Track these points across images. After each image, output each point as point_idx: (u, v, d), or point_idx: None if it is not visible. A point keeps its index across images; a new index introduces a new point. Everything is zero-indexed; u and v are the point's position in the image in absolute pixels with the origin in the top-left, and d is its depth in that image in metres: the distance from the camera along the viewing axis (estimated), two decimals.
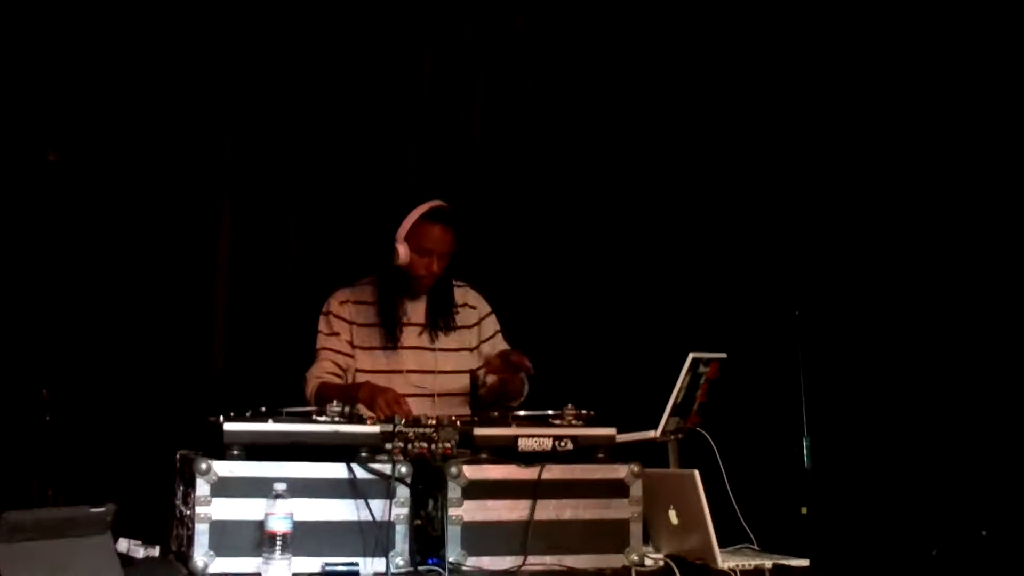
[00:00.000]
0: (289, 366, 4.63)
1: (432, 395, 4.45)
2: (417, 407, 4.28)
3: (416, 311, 4.53)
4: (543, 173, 5.80)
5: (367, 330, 4.48)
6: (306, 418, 3.53)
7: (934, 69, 5.64)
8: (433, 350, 4.51)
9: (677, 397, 4.22)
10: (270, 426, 3.43)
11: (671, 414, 4.24)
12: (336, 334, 4.48)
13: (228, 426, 3.39)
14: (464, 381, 4.53)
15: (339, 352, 4.46)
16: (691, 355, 4.22)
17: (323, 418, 3.52)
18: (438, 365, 4.49)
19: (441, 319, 4.53)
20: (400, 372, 4.44)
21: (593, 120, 5.85)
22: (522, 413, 3.84)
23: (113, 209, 5.13)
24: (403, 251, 4.39)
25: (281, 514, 3.25)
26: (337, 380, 4.41)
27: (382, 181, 5.56)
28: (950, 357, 5.52)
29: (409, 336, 4.50)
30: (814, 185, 5.77)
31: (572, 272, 5.76)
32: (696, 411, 4.41)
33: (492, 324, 4.65)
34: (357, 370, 4.46)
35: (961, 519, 5.24)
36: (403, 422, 3.66)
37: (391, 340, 4.46)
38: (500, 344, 4.62)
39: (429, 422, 3.70)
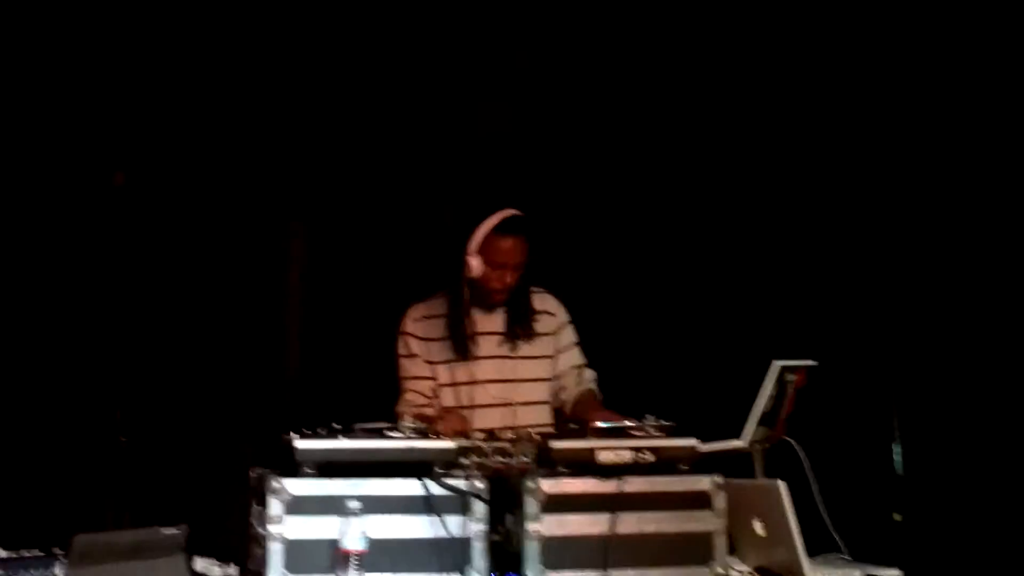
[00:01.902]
0: (364, 378, 4.60)
1: (513, 404, 4.37)
2: (499, 418, 4.24)
3: (494, 320, 4.45)
4: (618, 174, 5.72)
5: (443, 343, 4.41)
6: (379, 434, 3.47)
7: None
8: (513, 358, 4.43)
9: (765, 407, 4.13)
10: (342, 443, 3.38)
11: (758, 423, 4.15)
12: (414, 356, 4.42)
13: (300, 444, 3.34)
14: (545, 389, 4.47)
15: (421, 378, 4.41)
16: (777, 363, 4.12)
17: (397, 434, 3.46)
18: (518, 374, 4.41)
19: (520, 327, 4.44)
20: (480, 383, 4.38)
21: (665, 121, 5.76)
22: (601, 425, 3.76)
23: (181, 227, 5.15)
24: (476, 264, 4.30)
25: (355, 532, 3.21)
26: (428, 412, 4.35)
27: (449, 186, 5.51)
28: None
29: (488, 346, 4.43)
30: (903, 182, 5.64)
31: (651, 278, 5.68)
32: (783, 421, 4.31)
33: (570, 334, 4.56)
34: (440, 385, 4.40)
35: None
36: (480, 436, 3.60)
37: (463, 353, 4.38)
38: (576, 357, 4.54)
39: (506, 436, 3.63)
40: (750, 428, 4.16)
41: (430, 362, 4.41)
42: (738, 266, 5.72)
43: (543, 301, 4.53)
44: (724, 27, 5.78)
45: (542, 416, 4.41)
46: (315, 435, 3.40)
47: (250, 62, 5.26)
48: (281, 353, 5.29)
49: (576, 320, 4.62)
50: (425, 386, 4.40)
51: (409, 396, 4.40)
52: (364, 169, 5.49)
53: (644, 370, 5.33)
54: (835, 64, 5.72)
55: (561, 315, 4.55)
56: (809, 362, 4.33)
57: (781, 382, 4.20)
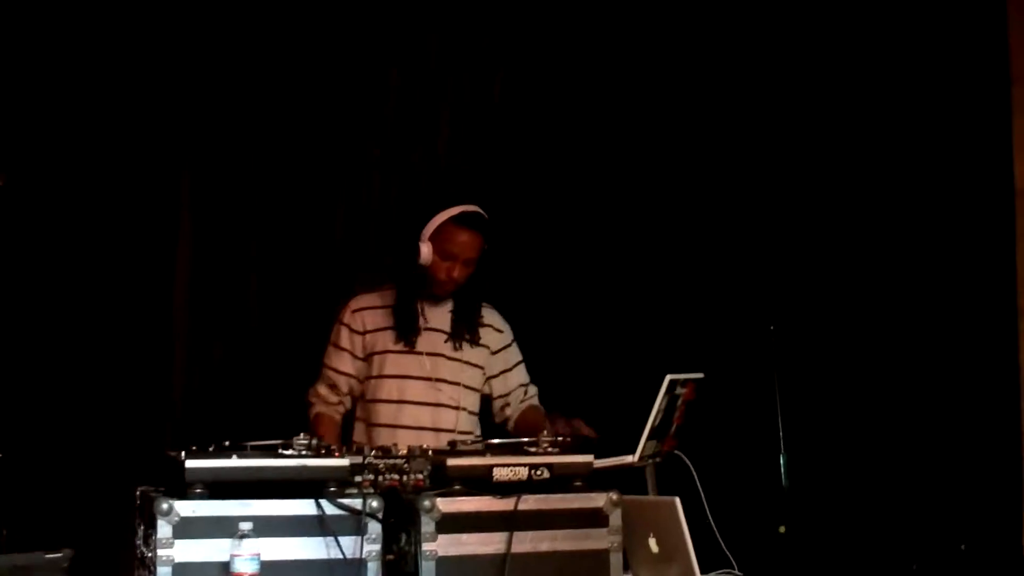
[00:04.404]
0: (255, 395, 4.51)
1: (457, 407, 4.34)
2: (428, 417, 4.28)
3: (440, 316, 4.39)
4: (514, 190, 5.67)
5: (385, 334, 4.34)
6: (272, 452, 3.39)
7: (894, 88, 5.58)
8: (455, 360, 4.38)
9: (654, 420, 4.13)
10: (233, 462, 3.28)
11: (648, 438, 4.15)
12: (343, 349, 4.37)
13: (190, 463, 3.23)
14: (474, 399, 4.44)
15: (341, 372, 4.37)
16: (668, 377, 4.13)
17: (289, 451, 3.37)
18: (454, 376, 4.36)
19: (467, 329, 4.38)
20: (422, 379, 4.32)
21: (564, 136, 5.73)
22: (496, 441, 3.73)
23: (63, 235, 4.98)
24: (426, 251, 4.23)
25: (247, 555, 3.11)
26: (335, 408, 4.38)
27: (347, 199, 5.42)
28: (928, 370, 5.46)
29: (431, 341, 4.36)
30: (784, 201, 5.70)
31: (543, 295, 5.64)
32: (673, 434, 4.32)
33: (516, 352, 4.53)
34: (375, 377, 4.33)
35: (940, 534, 5.19)
36: (373, 453, 3.53)
37: (408, 344, 4.32)
38: (522, 376, 4.53)
39: (400, 452, 3.57)
40: (642, 443, 4.16)
41: (362, 357, 4.35)
42: (629, 283, 5.72)
43: (491, 316, 4.49)
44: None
45: (467, 424, 4.36)
46: (205, 453, 3.30)
47: (127, 46, 5.11)
48: (169, 366, 5.15)
49: None
50: (343, 381, 4.36)
51: (323, 389, 4.38)
52: (254, 172, 5.36)
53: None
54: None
55: (508, 333, 4.52)
56: (698, 375, 4.35)
57: (671, 395, 4.21)
